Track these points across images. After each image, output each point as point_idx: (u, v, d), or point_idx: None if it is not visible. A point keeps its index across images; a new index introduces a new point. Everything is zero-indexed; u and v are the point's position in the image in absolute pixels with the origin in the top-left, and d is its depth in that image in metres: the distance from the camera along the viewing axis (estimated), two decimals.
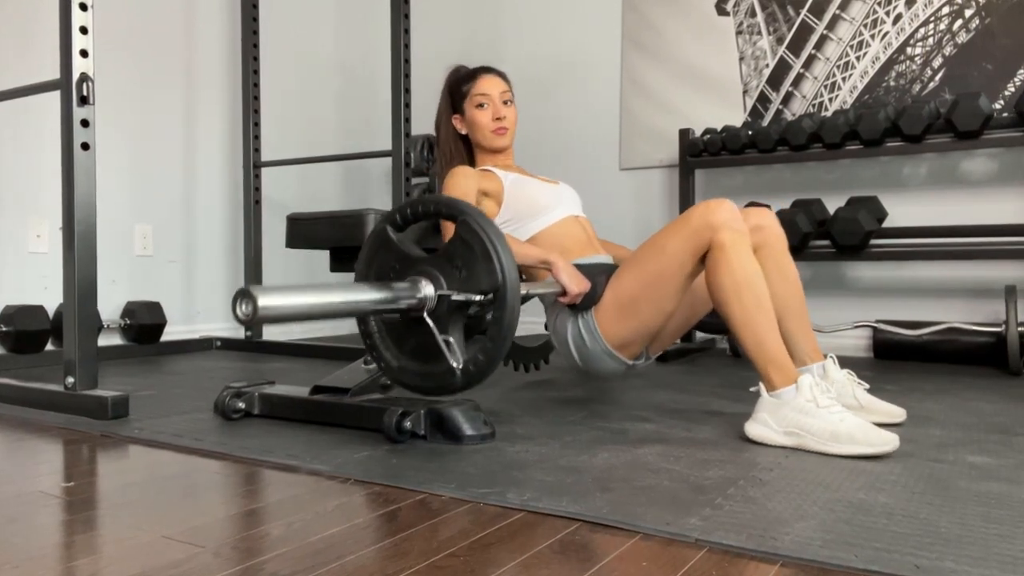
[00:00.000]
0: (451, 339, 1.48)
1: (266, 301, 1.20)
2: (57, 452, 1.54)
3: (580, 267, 1.82)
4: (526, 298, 1.59)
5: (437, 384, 1.52)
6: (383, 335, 1.59)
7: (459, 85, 2.02)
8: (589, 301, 1.78)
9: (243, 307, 1.20)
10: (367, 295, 1.38)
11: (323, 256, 3.88)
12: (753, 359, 1.60)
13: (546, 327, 1.95)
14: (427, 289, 1.48)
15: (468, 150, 2.06)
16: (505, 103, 1.99)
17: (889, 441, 1.44)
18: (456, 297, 1.46)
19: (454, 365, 1.46)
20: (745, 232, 1.64)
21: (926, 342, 2.87)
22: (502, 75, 2.03)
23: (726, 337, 3.06)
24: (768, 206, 3.09)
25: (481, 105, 1.98)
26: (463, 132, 2.03)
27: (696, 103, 3.55)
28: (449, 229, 1.67)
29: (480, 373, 1.47)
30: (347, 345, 3.19)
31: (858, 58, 3.21)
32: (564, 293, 1.75)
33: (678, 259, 1.67)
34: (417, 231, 1.64)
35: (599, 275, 1.80)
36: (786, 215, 2.94)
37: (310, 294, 1.27)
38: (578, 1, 3.88)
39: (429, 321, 1.47)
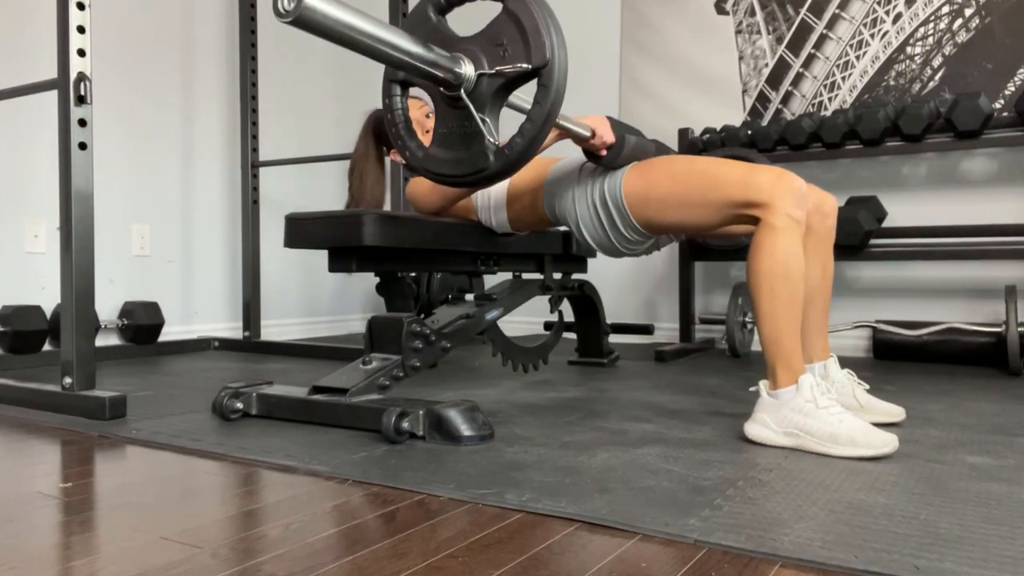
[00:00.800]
0: (487, 120, 1.39)
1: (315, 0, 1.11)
2: (54, 453, 1.53)
3: (612, 121, 1.79)
4: (554, 128, 1.52)
5: (469, 168, 1.43)
6: (408, 126, 1.51)
7: (382, 124, 1.96)
8: (612, 155, 1.76)
9: (286, 1, 1.11)
10: (409, 45, 1.28)
11: (322, 256, 3.87)
12: (766, 350, 1.58)
13: (564, 208, 1.90)
14: (467, 67, 1.39)
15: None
16: (428, 116, 1.94)
17: (888, 443, 1.43)
18: (501, 68, 1.36)
19: (491, 140, 1.37)
20: (802, 221, 1.59)
21: (926, 342, 2.87)
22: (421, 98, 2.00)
23: (725, 337, 3.05)
24: None
25: (428, 115, 1.93)
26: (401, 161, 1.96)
27: (695, 102, 3.55)
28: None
29: (518, 155, 1.38)
30: (345, 345, 3.18)
31: (858, 57, 3.20)
32: (592, 137, 1.73)
33: (723, 201, 1.64)
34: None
35: (629, 133, 1.78)
36: None
37: (357, 16, 1.18)
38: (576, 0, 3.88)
39: (467, 100, 1.38)
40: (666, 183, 1.72)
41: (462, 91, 1.40)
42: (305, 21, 1.11)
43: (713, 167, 1.68)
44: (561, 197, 1.89)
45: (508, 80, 1.39)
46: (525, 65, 1.36)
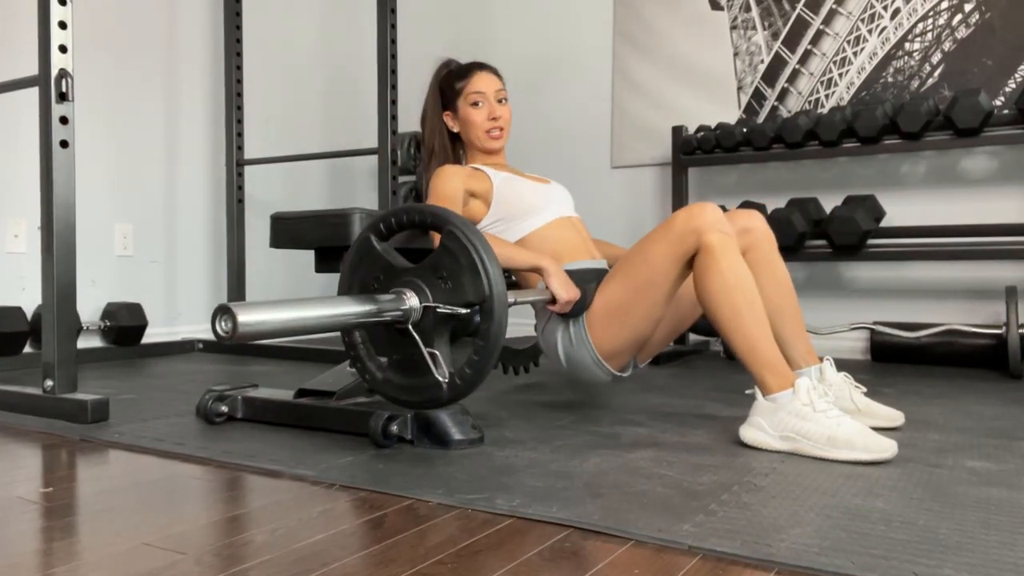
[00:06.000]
0: (437, 352, 1.46)
1: (246, 317, 1.18)
2: (35, 457, 1.52)
3: (571, 272, 1.78)
4: (514, 305, 1.56)
5: (423, 398, 1.50)
6: (367, 346, 1.57)
7: (452, 81, 1.97)
8: (579, 308, 1.75)
9: (223, 324, 1.18)
10: (350, 308, 1.36)
11: (308, 256, 3.84)
12: (746, 364, 1.57)
13: (536, 329, 1.91)
14: (412, 300, 1.46)
15: (454, 148, 2.02)
16: (500, 102, 1.95)
17: (888, 448, 1.42)
18: (442, 310, 1.44)
19: (440, 379, 1.45)
20: (732, 234, 1.62)
21: (925, 344, 2.85)
22: (496, 72, 1.99)
23: (720, 339, 3.03)
24: (763, 205, 3.08)
25: (476, 104, 1.93)
26: (455, 130, 1.99)
27: (689, 99, 3.53)
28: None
29: (467, 386, 1.45)
30: (332, 348, 3.16)
31: (855, 54, 3.18)
32: (554, 300, 1.71)
33: (665, 265, 1.65)
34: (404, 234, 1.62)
35: (589, 282, 1.78)
36: (781, 214, 2.91)
37: (291, 309, 1.25)
38: None
39: (414, 333, 1.45)
40: (616, 287, 1.73)
41: (409, 325, 1.46)
42: (246, 336, 1.19)
43: (637, 246, 1.72)
44: (538, 319, 1.89)
45: (451, 314, 1.46)
46: (464, 308, 1.44)
